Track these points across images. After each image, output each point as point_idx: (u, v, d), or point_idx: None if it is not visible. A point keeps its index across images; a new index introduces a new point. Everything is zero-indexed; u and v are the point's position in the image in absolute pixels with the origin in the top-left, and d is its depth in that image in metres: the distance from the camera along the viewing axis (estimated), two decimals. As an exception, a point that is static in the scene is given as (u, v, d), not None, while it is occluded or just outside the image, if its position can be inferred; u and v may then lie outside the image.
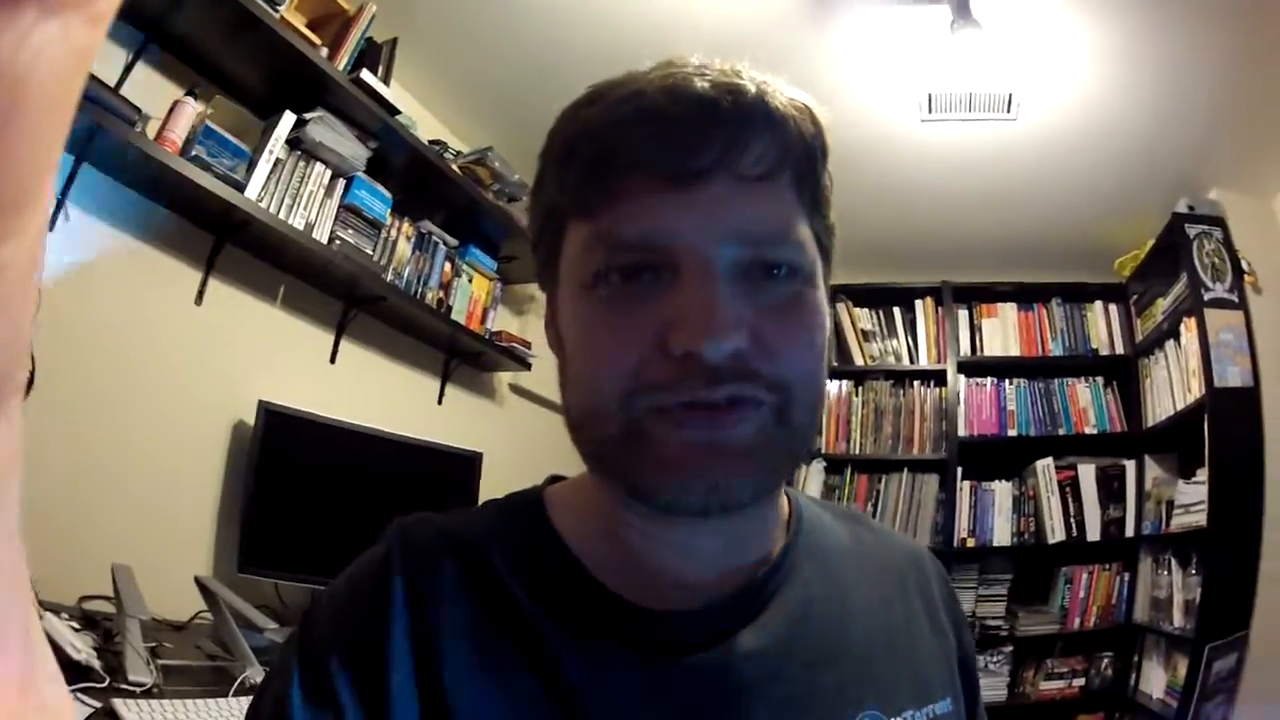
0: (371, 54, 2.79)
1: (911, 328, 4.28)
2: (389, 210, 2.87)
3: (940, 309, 4.22)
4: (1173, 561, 3.36)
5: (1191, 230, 3.35)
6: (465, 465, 3.06)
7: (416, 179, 3.01)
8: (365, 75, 2.66)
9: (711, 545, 0.66)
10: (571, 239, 0.62)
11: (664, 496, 0.58)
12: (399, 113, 2.82)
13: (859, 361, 4.23)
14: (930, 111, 3.23)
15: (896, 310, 4.32)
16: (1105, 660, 3.69)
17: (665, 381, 0.56)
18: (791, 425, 0.60)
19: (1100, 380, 4.00)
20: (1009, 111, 3.17)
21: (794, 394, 0.59)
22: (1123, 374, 3.96)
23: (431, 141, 3.10)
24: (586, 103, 0.61)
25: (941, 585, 0.81)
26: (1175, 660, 3.23)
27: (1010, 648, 3.75)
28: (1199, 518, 3.16)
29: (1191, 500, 3.29)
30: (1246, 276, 3.29)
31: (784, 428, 0.59)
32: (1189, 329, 3.35)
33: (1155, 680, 3.36)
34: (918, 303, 4.26)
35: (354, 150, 2.69)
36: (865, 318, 4.30)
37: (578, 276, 0.61)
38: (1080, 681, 3.70)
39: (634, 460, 0.59)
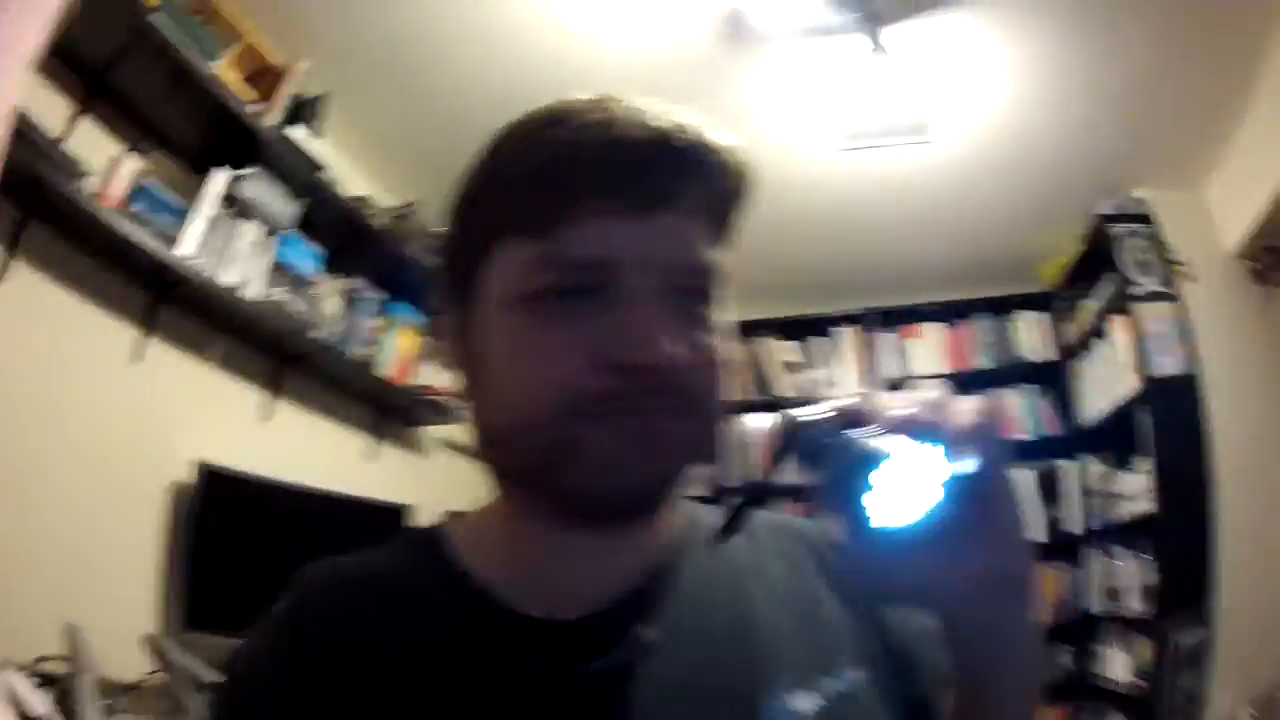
0: (303, 110, 2.79)
1: (836, 356, 4.33)
2: (319, 267, 2.86)
3: (865, 334, 4.29)
4: (1122, 550, 3.44)
5: (1117, 230, 3.45)
6: (401, 520, 3.06)
7: (345, 235, 3.02)
8: (296, 131, 2.68)
9: (619, 550, 0.68)
10: (506, 256, 0.63)
11: (598, 493, 0.61)
12: (327, 169, 2.83)
13: (784, 393, 4.25)
14: (848, 141, 3.29)
15: (820, 340, 4.38)
16: (1064, 654, 3.71)
17: (605, 392, 0.58)
18: (707, 436, 0.64)
19: (1031, 387, 4.08)
20: (925, 135, 3.24)
21: (711, 406, 0.63)
22: (1054, 378, 4.05)
23: (360, 197, 3.11)
24: (546, 124, 0.62)
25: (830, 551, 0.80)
26: (1138, 644, 3.28)
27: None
28: (1144, 504, 3.25)
29: (1133, 489, 3.37)
30: (1177, 268, 3.38)
31: (702, 438, 0.64)
32: (1120, 326, 3.45)
33: (1118, 665, 3.40)
34: (841, 330, 4.33)
35: (285, 207, 2.69)
36: (788, 350, 4.35)
37: (514, 293, 0.62)
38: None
39: (568, 463, 0.60)
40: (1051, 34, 2.81)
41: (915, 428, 0.52)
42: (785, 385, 4.27)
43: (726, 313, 0.66)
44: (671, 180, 0.62)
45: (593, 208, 0.60)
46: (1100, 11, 2.71)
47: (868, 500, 0.51)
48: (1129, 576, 3.35)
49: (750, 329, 4.25)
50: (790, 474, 0.56)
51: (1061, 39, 2.82)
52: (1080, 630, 3.71)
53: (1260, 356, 3.32)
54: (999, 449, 0.54)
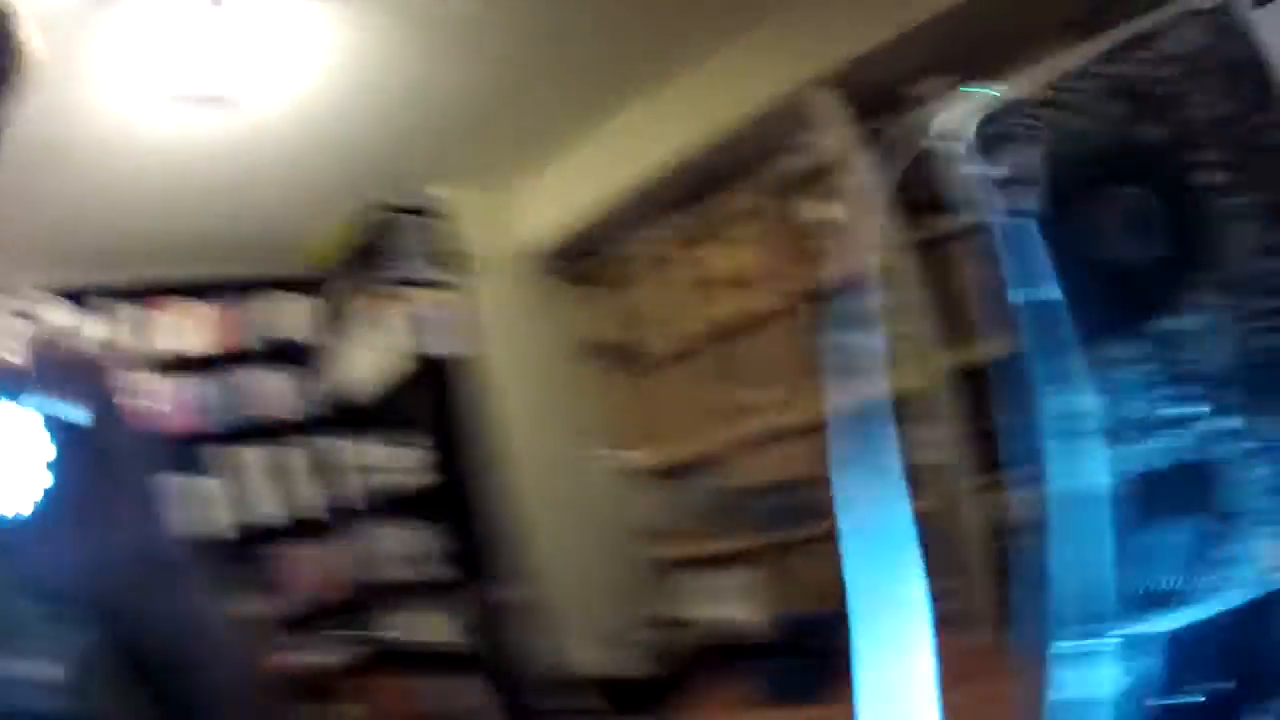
0: None
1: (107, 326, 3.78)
2: None
3: (132, 307, 3.84)
4: (399, 521, 3.77)
5: (401, 221, 3.64)
6: None
7: None
8: None
9: None
10: None
11: None
12: None
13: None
14: (164, 101, 2.91)
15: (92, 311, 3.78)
16: (364, 622, 3.95)
17: None
18: None
19: (297, 369, 4.13)
20: (234, 103, 2.95)
21: None
22: (318, 360, 4.16)
23: None
24: None
25: None
26: (453, 605, 3.62)
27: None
28: (423, 477, 3.61)
29: (404, 463, 3.70)
30: (462, 258, 3.70)
31: None
32: (394, 309, 3.68)
33: (434, 627, 3.72)
34: (111, 302, 3.79)
35: None
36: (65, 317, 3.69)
37: None
38: (349, 650, 3.85)
39: None
40: (391, 28, 2.82)
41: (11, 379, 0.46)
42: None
43: None
44: None
45: None
46: (438, 17, 2.79)
47: None
48: (420, 544, 3.68)
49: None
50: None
51: (394, 32, 2.85)
52: (384, 600, 3.94)
53: (547, 339, 3.93)
54: (104, 404, 0.50)
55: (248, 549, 3.83)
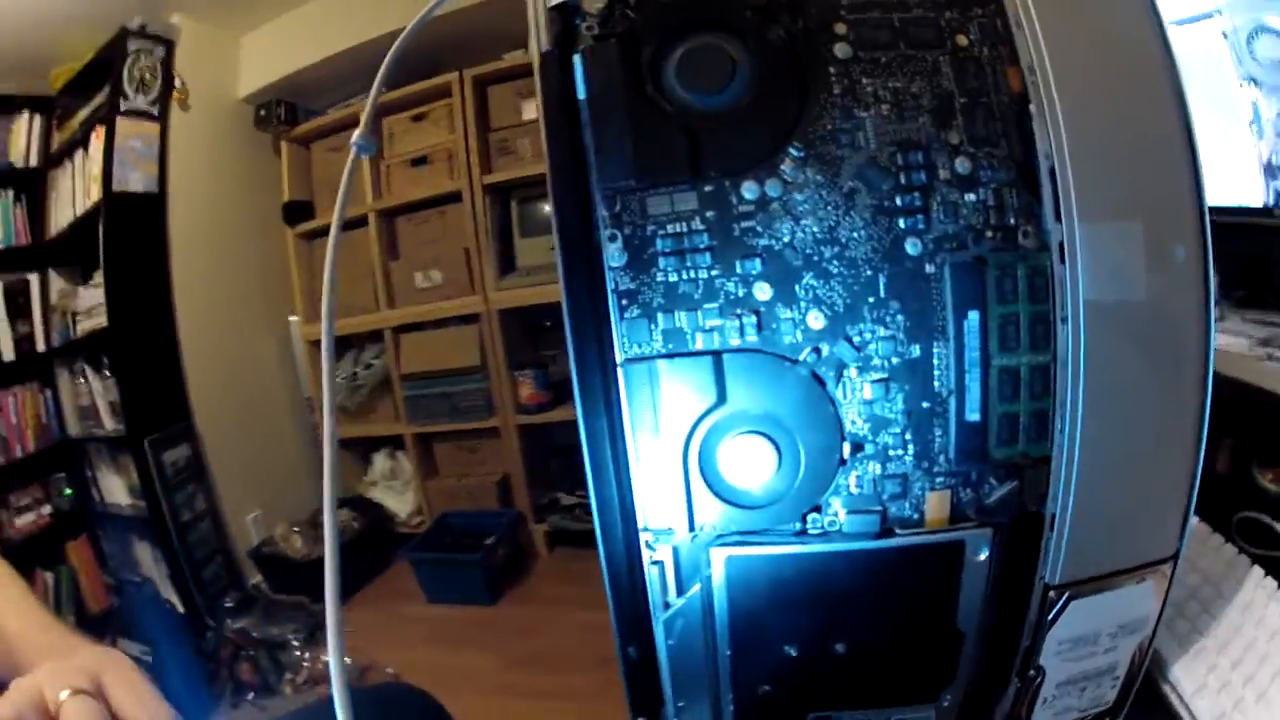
0: None
1: None
2: None
3: None
4: (87, 368, 3.42)
5: (133, 45, 3.29)
6: None
7: None
8: None
9: None
10: None
11: None
12: None
13: None
14: None
15: None
16: (61, 480, 3.53)
17: None
18: None
19: (10, 193, 3.58)
20: None
21: None
22: (33, 186, 3.66)
23: None
24: None
25: None
26: (124, 463, 3.36)
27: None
28: (101, 320, 3.28)
29: (92, 304, 3.36)
30: (176, 93, 3.42)
31: None
32: (99, 137, 3.33)
33: (115, 487, 3.45)
34: None
35: None
36: None
37: None
38: (48, 509, 3.44)
39: None
40: None
41: None
42: None
43: None
44: None
45: None
46: None
47: None
48: (97, 395, 3.39)
49: None
50: None
51: None
52: (68, 455, 3.55)
53: (240, 193, 3.78)
54: None
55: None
